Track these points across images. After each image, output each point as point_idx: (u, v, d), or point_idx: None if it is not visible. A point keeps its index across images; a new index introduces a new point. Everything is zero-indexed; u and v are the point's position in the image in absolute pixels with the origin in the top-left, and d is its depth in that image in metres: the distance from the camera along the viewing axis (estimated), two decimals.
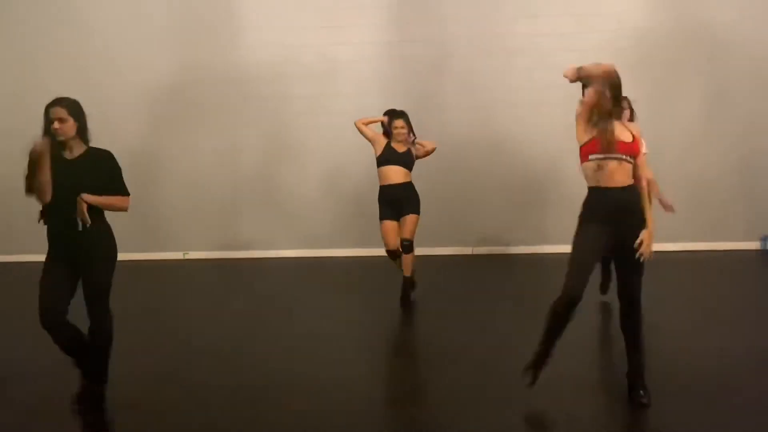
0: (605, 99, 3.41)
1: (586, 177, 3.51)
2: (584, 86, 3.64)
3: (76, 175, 3.52)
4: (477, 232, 7.90)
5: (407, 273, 5.58)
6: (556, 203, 7.46)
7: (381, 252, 5.85)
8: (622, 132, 3.46)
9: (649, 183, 3.62)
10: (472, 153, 7.79)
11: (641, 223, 3.43)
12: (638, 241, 3.38)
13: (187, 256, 8.32)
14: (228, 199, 8.30)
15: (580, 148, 3.50)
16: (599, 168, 3.41)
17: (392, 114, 5.72)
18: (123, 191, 3.76)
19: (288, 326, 5.20)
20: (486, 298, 5.86)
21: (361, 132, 5.72)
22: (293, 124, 8.04)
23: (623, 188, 3.42)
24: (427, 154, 5.81)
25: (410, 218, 5.53)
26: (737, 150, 7.62)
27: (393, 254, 5.57)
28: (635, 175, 3.48)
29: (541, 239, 7.69)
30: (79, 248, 3.52)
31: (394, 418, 3.53)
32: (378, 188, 5.68)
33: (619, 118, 3.54)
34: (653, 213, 3.61)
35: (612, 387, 3.71)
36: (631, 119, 5.29)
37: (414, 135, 5.75)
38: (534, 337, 3.58)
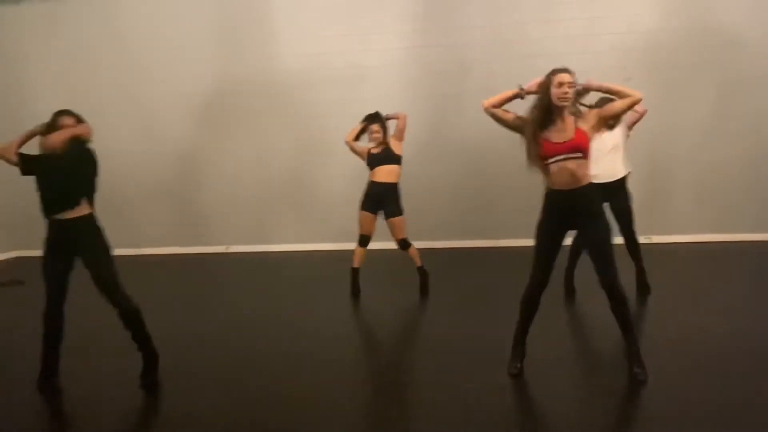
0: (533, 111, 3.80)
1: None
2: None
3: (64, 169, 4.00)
4: (498, 226, 8.36)
5: (419, 263, 6.11)
6: None
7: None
8: (558, 134, 3.76)
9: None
10: (491, 152, 8.22)
11: (597, 217, 3.81)
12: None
13: (229, 250, 9.02)
14: (264, 196, 8.94)
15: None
16: (545, 172, 3.83)
17: (369, 120, 6.12)
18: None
19: (315, 310, 5.82)
20: (500, 288, 6.31)
21: (353, 150, 6.16)
22: (323, 127, 8.57)
23: (570, 190, 3.77)
24: (404, 126, 6.08)
25: (397, 221, 5.97)
26: (747, 147, 7.87)
27: (365, 240, 6.03)
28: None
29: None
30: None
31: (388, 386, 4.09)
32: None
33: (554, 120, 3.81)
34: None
35: (611, 368, 4.09)
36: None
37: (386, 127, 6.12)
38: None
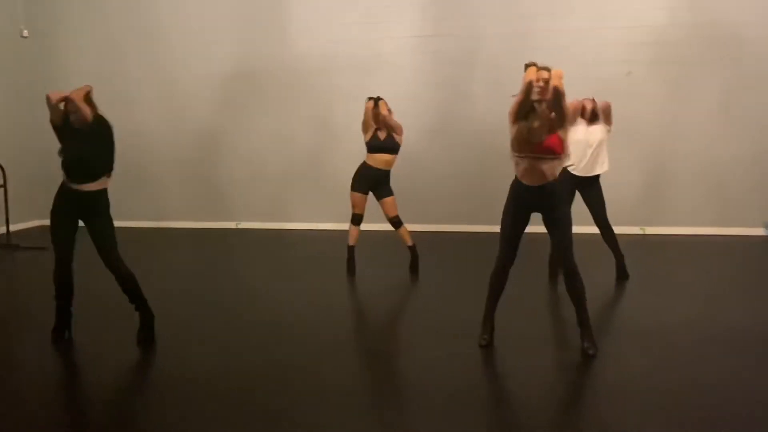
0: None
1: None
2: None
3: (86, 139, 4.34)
4: (498, 212, 8.60)
5: (410, 243, 6.42)
6: None
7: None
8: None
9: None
10: (498, 139, 8.40)
11: (559, 207, 4.09)
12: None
13: (239, 226, 9.38)
14: (279, 175, 9.26)
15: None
16: (517, 164, 4.10)
17: (375, 101, 6.33)
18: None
19: (313, 284, 6.16)
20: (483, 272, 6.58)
21: (366, 118, 6.33)
22: (337, 110, 8.85)
23: (537, 187, 4.04)
24: (395, 127, 6.31)
25: (390, 200, 6.29)
26: (751, 143, 8.02)
27: (359, 218, 6.34)
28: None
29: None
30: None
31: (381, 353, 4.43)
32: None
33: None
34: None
35: (567, 342, 4.42)
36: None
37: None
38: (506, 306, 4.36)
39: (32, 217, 9.55)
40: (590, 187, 5.81)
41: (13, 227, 8.46)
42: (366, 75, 8.71)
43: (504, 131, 8.04)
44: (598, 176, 5.86)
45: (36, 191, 9.44)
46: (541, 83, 4.00)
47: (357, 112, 8.84)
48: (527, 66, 4.17)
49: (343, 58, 8.82)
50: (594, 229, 5.97)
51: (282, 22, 9.04)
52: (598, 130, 5.79)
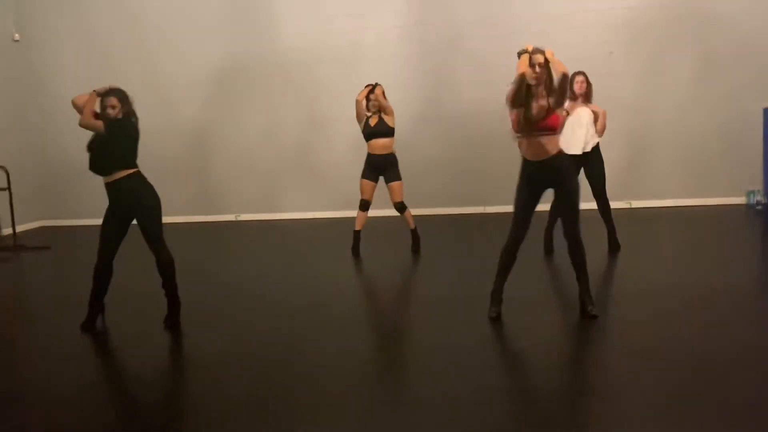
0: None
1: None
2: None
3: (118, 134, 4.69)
4: (487, 193, 8.92)
5: (412, 226, 6.72)
6: None
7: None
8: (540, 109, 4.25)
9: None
10: (482, 122, 8.73)
11: (565, 181, 4.38)
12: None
13: (239, 218, 9.62)
14: (271, 166, 9.51)
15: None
16: (520, 144, 4.40)
17: (373, 86, 6.66)
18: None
19: (318, 267, 6.44)
20: (480, 251, 6.88)
21: (358, 109, 6.63)
22: (326, 101, 9.10)
23: (540, 161, 4.32)
24: (385, 107, 6.61)
25: (396, 185, 6.56)
26: (722, 114, 8.39)
27: (366, 204, 6.61)
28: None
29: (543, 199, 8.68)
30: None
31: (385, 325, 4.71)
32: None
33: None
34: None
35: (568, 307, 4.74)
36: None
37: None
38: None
39: (35, 218, 9.75)
40: (591, 162, 6.11)
41: (17, 228, 8.64)
42: (352, 65, 8.95)
43: (490, 114, 8.39)
44: (597, 151, 6.14)
45: (37, 193, 9.65)
46: (537, 68, 4.26)
47: (344, 102, 9.13)
48: (520, 54, 4.43)
49: (329, 50, 9.05)
50: (587, 205, 6.28)
51: (268, 17, 9.24)
52: (585, 112, 6.06)
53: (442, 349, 4.10)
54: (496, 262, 4.63)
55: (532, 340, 4.20)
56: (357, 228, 6.76)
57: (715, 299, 4.77)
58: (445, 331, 4.42)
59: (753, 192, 8.33)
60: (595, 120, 6.11)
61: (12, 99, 9.45)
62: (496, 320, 4.52)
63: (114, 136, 4.67)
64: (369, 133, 6.60)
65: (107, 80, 9.25)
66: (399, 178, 6.60)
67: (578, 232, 4.43)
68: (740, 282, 5.21)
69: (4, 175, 8.30)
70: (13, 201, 8.27)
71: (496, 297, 4.62)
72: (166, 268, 4.71)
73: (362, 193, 6.68)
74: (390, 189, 6.62)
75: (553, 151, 4.36)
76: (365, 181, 6.67)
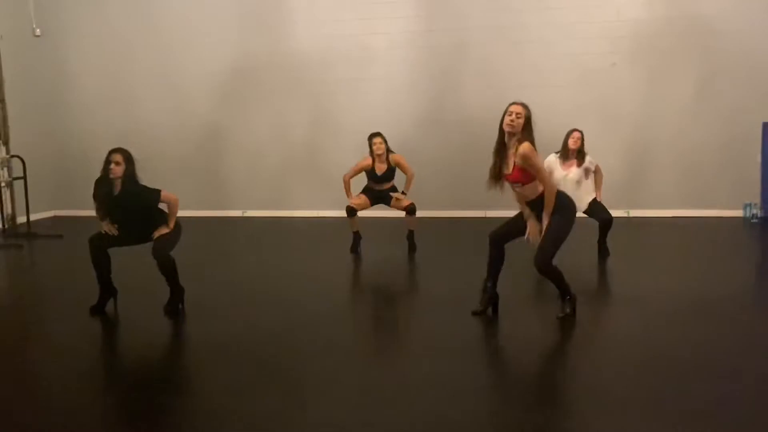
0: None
1: None
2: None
3: (122, 207, 4.90)
4: (488, 198, 9.04)
5: (411, 227, 6.95)
6: None
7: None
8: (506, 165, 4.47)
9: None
10: (487, 129, 8.78)
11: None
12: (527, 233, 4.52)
13: (245, 214, 9.86)
14: (279, 165, 9.74)
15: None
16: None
17: (371, 135, 6.90)
18: (155, 198, 4.92)
19: (320, 271, 6.63)
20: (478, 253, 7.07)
21: (347, 186, 6.88)
22: (334, 103, 9.34)
23: (527, 202, 4.55)
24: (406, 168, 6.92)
25: (401, 195, 6.86)
26: (722, 128, 8.51)
27: (352, 211, 6.81)
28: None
29: None
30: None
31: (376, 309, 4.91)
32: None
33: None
34: None
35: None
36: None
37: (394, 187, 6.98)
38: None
39: (47, 207, 10.04)
40: (595, 212, 6.42)
41: (31, 217, 8.92)
42: (359, 69, 9.18)
43: (494, 121, 8.54)
44: (595, 203, 6.44)
45: (50, 183, 9.93)
46: (513, 117, 4.41)
47: (353, 104, 9.36)
48: None
49: (339, 53, 9.28)
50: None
51: (281, 20, 9.49)
52: (572, 178, 6.32)
53: (428, 339, 4.30)
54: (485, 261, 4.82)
55: (518, 334, 4.39)
56: (354, 229, 6.97)
57: (701, 305, 4.91)
58: (435, 323, 4.62)
59: (750, 205, 8.47)
60: (588, 174, 6.38)
61: (30, 91, 9.73)
62: (481, 315, 4.68)
63: (128, 209, 4.92)
64: (375, 181, 6.92)
65: (125, 75, 9.78)
66: (404, 193, 6.88)
67: (545, 262, 4.43)
68: (728, 291, 5.33)
69: (21, 165, 8.58)
70: (28, 190, 8.54)
71: (483, 293, 4.74)
72: (161, 268, 4.89)
73: (353, 200, 6.87)
74: (397, 199, 6.85)
75: (534, 194, 4.48)
76: (362, 194, 6.96)
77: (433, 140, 9.14)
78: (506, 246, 4.73)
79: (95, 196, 4.97)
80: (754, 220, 8.34)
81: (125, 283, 5.20)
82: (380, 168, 6.87)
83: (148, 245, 4.98)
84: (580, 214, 6.32)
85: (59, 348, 4.43)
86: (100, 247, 4.93)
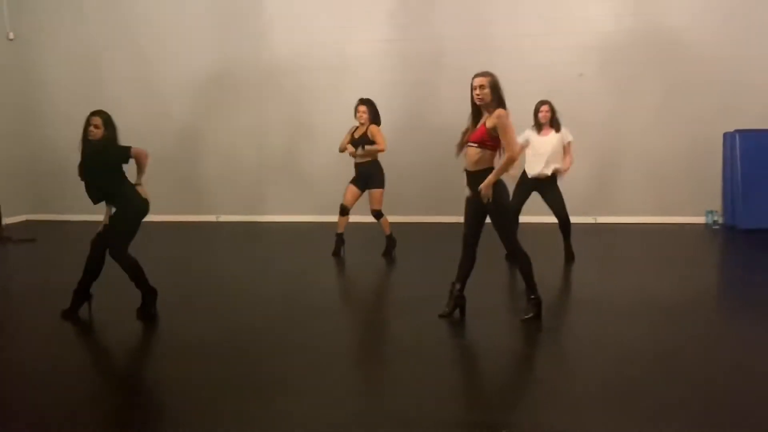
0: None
1: None
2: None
3: (92, 164, 4.94)
4: (464, 203, 9.26)
5: (387, 232, 7.05)
6: None
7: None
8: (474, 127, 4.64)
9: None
10: (460, 135, 9.11)
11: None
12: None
13: (219, 219, 9.90)
14: (255, 170, 9.82)
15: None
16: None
17: (359, 101, 6.99)
18: (125, 154, 5.00)
19: (295, 274, 6.72)
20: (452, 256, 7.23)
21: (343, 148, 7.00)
22: (310, 108, 9.46)
23: (470, 173, 4.69)
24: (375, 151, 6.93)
25: (376, 192, 6.91)
26: (686, 137, 8.83)
27: (344, 209, 6.93)
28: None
29: (526, 211, 9.07)
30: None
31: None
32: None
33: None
34: None
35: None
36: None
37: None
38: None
39: (22, 212, 9.96)
40: (548, 188, 6.50)
41: (3, 221, 8.85)
42: (337, 76, 9.31)
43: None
44: (553, 179, 6.50)
45: (23, 188, 9.86)
46: (478, 90, 4.58)
47: (330, 109, 9.47)
48: None
49: (315, 60, 9.41)
50: (544, 219, 6.66)
51: (257, 26, 9.59)
52: (554, 138, 6.43)
53: (397, 341, 4.46)
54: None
55: (483, 337, 4.55)
56: (339, 231, 7.07)
57: (664, 307, 5.12)
58: (406, 325, 4.76)
59: (711, 212, 8.79)
60: (563, 146, 6.45)
61: (3, 95, 9.69)
62: (448, 318, 4.79)
63: (95, 164, 4.91)
64: (351, 141, 6.95)
65: (99, 79, 9.75)
66: (380, 187, 6.91)
67: (512, 244, 4.67)
68: (690, 294, 5.56)
69: None
70: (1, 194, 8.47)
71: (451, 296, 4.85)
72: (125, 270, 4.90)
73: (344, 197, 7.00)
74: (370, 195, 6.95)
75: (479, 166, 4.63)
76: (349, 186, 7.02)
77: (410, 147, 9.28)
78: (477, 250, 4.87)
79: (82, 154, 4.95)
80: (715, 227, 8.67)
81: (98, 283, 5.15)
82: (360, 132, 6.94)
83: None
84: (539, 201, 6.56)
85: (31, 350, 4.45)
86: (101, 255, 4.93)
